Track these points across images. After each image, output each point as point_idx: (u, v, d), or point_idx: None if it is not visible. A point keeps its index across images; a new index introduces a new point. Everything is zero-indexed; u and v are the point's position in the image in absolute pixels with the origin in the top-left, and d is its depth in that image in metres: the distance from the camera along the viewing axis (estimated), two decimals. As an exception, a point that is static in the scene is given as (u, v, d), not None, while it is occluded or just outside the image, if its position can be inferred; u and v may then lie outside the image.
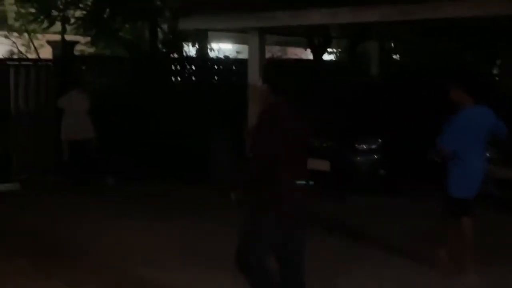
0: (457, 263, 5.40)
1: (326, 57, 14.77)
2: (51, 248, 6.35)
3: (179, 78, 11.31)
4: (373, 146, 8.78)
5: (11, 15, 12.73)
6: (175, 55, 11.83)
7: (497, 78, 13.03)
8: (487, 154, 5.90)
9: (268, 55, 10.23)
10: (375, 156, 8.74)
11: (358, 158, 8.76)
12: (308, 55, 14.32)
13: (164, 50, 11.69)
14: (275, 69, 4.25)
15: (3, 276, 5.46)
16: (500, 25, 8.69)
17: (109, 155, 9.47)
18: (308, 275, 4.05)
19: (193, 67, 11.48)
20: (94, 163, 9.03)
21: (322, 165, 8.72)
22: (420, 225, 6.81)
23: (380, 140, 8.79)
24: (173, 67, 11.37)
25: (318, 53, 13.06)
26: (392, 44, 14.21)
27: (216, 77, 11.42)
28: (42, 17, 10.77)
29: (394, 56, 15.05)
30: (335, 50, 16.58)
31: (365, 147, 8.80)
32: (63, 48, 10.34)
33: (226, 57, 12.59)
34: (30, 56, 11.82)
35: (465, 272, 5.34)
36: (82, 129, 8.82)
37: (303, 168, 4.00)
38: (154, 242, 6.55)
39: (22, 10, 11.64)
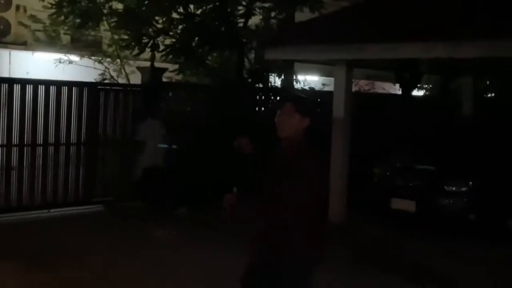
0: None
1: (416, 92, 14.35)
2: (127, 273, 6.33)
3: (263, 108, 11.27)
4: (463, 189, 8.35)
5: (105, 41, 13.19)
6: (260, 85, 11.82)
7: None
8: None
9: (354, 88, 10.04)
10: (465, 199, 8.30)
11: (446, 200, 8.34)
12: (397, 90, 13.96)
13: (249, 80, 11.71)
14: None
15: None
16: None
17: (186, 182, 9.49)
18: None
19: (278, 98, 11.42)
20: (169, 190, 9.06)
21: (407, 205, 8.41)
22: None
23: (471, 183, 8.35)
24: (257, 97, 11.36)
25: (407, 88, 12.72)
26: (488, 82, 13.61)
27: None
28: (133, 43, 11.05)
29: (489, 94, 14.41)
30: (426, 86, 16.10)
31: (454, 189, 8.38)
32: (151, 75, 10.56)
33: (312, 89, 12.48)
34: (121, 81, 12.13)
35: None
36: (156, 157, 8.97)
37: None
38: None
39: (116, 36, 12.01)
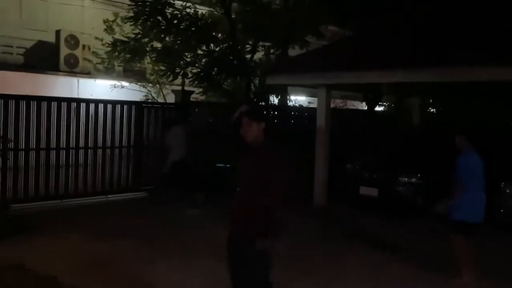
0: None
1: (377, 108, 14.29)
2: (167, 242, 6.31)
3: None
4: (413, 180, 8.31)
5: (148, 71, 13.27)
6: (263, 103, 11.83)
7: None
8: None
9: (332, 105, 10.00)
10: (414, 188, 8.26)
11: (400, 188, 8.31)
12: (364, 107, 13.93)
13: (255, 99, 11.70)
14: None
15: (135, 262, 5.46)
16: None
17: (200, 176, 9.44)
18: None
19: (276, 113, 11.41)
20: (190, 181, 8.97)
21: (372, 191, 8.39)
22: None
23: (418, 175, 8.32)
24: (261, 112, 11.36)
25: (371, 106, 12.69)
26: (431, 100, 13.55)
27: (292, 121, 11.30)
28: (169, 72, 11.08)
29: (432, 110, 14.33)
30: (385, 103, 16.05)
31: (406, 179, 8.34)
32: (182, 96, 10.57)
33: (300, 106, 12.45)
34: (159, 100, 12.14)
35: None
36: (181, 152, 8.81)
37: None
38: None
39: (155, 67, 12.04)
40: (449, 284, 5.13)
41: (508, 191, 7.45)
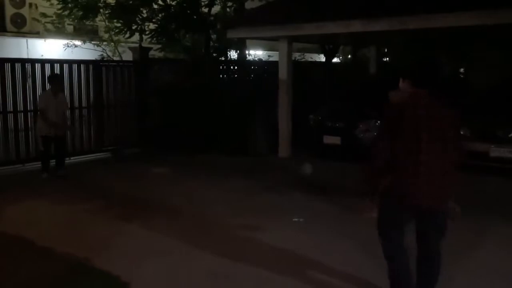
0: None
1: (335, 60, 14.38)
2: (135, 201, 6.28)
3: (225, 75, 11.12)
4: (370, 126, 8.51)
5: (101, 29, 12.70)
6: (222, 58, 11.64)
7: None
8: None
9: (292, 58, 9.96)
10: (372, 134, 8.46)
11: (360, 135, 8.50)
12: (321, 58, 13.98)
13: (214, 54, 11.49)
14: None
15: (102, 222, 5.42)
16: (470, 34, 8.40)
17: (173, 134, 9.35)
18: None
19: (236, 67, 11.28)
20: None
21: (335, 140, 8.56)
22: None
23: (378, 122, 8.52)
24: (220, 67, 11.19)
25: (329, 57, 12.75)
26: (386, 49, 13.75)
27: (252, 75, 11.20)
28: (125, 29, 10.65)
29: (386, 59, 14.57)
30: (340, 55, 16.16)
31: (364, 127, 8.50)
32: (140, 53, 10.22)
33: (260, 60, 12.34)
34: (115, 59, 11.70)
35: None
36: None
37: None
38: (218, 195, 6.46)
39: (110, 25, 11.53)
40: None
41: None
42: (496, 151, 7.20)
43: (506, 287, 3.85)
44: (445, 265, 3.39)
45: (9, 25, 12.71)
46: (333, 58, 13.00)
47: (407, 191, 3.10)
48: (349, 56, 15.66)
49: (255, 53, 13.43)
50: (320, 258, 4.30)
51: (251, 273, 4.03)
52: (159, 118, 9.68)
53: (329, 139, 8.56)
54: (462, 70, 12.84)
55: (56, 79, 7.59)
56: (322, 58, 13.70)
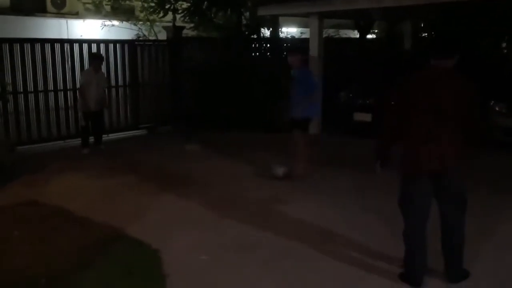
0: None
1: (369, 36, 14.12)
2: (169, 176, 6.52)
3: (257, 54, 11.16)
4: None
5: (137, 8, 12.93)
6: (255, 36, 11.66)
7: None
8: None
9: (324, 35, 9.87)
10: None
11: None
12: (356, 35, 13.76)
13: (246, 33, 11.52)
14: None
15: (138, 195, 5.68)
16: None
17: (205, 112, 9.51)
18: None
19: (268, 45, 11.28)
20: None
21: (365, 117, 8.51)
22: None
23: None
24: (253, 45, 11.23)
25: (363, 33, 12.54)
26: (422, 24, 13.33)
27: (284, 52, 11.16)
28: (158, 9, 10.83)
29: (424, 34, 14.13)
30: (376, 31, 15.82)
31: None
32: (174, 32, 10.38)
33: (292, 37, 12.29)
34: (151, 38, 11.94)
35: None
36: None
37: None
38: (247, 170, 6.63)
39: (145, 5, 11.74)
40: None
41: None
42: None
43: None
44: (470, 240, 3.45)
45: (49, 6, 13.17)
46: (367, 34, 12.77)
47: (420, 158, 3.21)
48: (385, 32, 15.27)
49: (288, 31, 13.35)
50: (344, 232, 4.39)
51: (277, 243, 4.19)
52: (192, 96, 9.86)
53: (359, 116, 8.53)
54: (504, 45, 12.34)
55: (97, 57, 7.94)
56: (356, 34, 13.50)
